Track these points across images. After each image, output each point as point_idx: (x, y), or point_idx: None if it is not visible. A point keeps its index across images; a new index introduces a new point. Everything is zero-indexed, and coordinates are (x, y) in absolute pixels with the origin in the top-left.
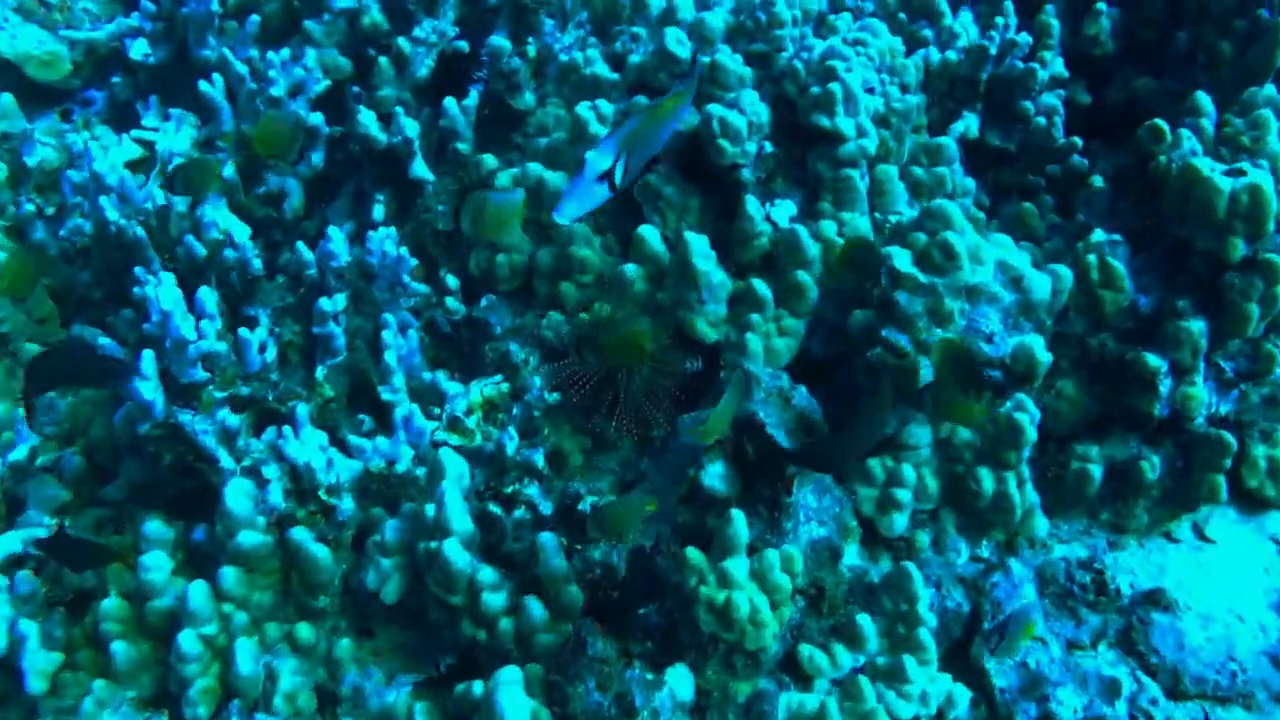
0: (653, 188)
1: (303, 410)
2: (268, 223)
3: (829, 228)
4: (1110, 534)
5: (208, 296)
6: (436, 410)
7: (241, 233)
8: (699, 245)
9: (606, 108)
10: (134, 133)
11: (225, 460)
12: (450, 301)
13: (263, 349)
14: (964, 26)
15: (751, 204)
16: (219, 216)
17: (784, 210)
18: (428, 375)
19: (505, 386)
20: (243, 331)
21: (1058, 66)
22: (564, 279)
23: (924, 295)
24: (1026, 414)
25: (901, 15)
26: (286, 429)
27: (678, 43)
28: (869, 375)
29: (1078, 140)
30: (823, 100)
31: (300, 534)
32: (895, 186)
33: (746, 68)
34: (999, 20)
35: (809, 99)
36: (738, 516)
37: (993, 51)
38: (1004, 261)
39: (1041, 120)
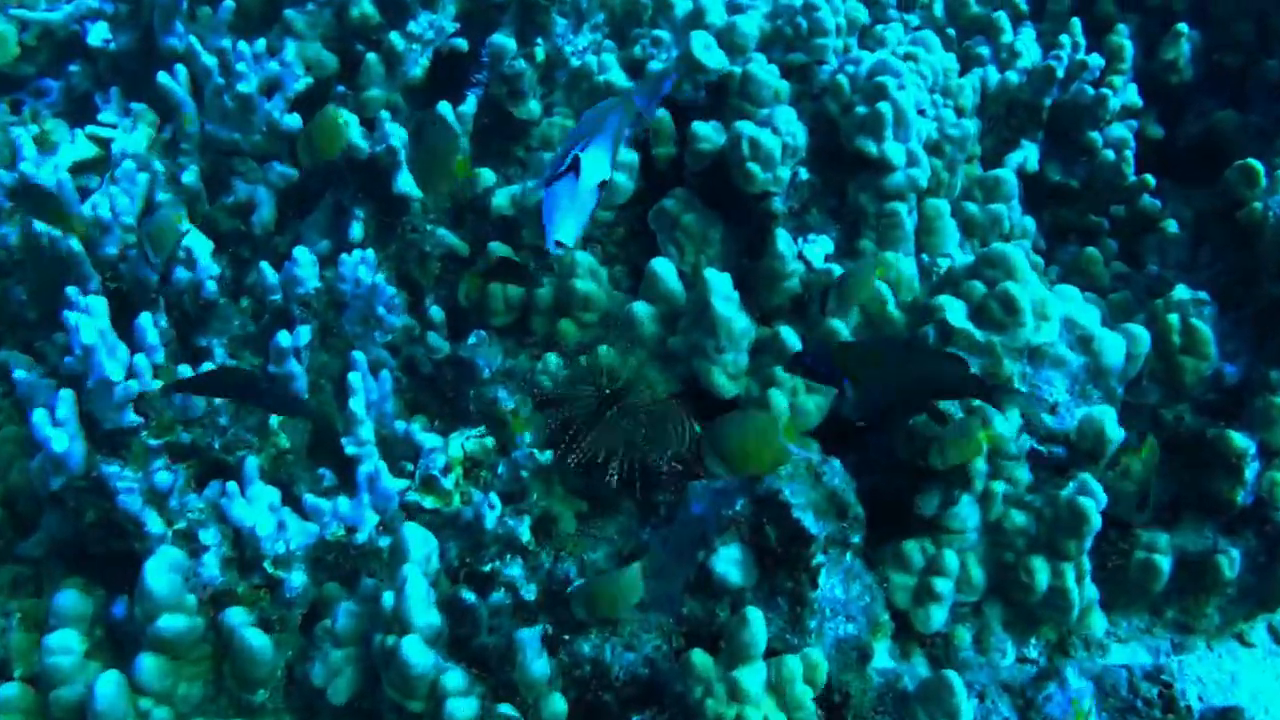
0: (670, 215)
1: (252, 464)
2: (235, 236)
3: None
4: (1175, 634)
5: (148, 325)
6: (410, 466)
7: (202, 248)
8: (720, 285)
9: None
10: (89, 129)
11: (153, 524)
12: (433, 338)
13: None
14: (1025, 45)
15: (782, 239)
16: None
17: (819, 247)
18: (401, 425)
19: (490, 440)
20: (184, 370)
21: (1131, 95)
22: (564, 316)
23: (980, 355)
24: (1091, 498)
25: (951, 31)
26: (231, 485)
27: (705, 49)
28: (910, 446)
29: (1150, 179)
30: (870, 122)
31: (236, 617)
32: (946, 224)
33: (783, 81)
34: (1064, 39)
35: (853, 120)
36: (754, 618)
37: (1060, 74)
38: (1071, 318)
39: (1110, 154)
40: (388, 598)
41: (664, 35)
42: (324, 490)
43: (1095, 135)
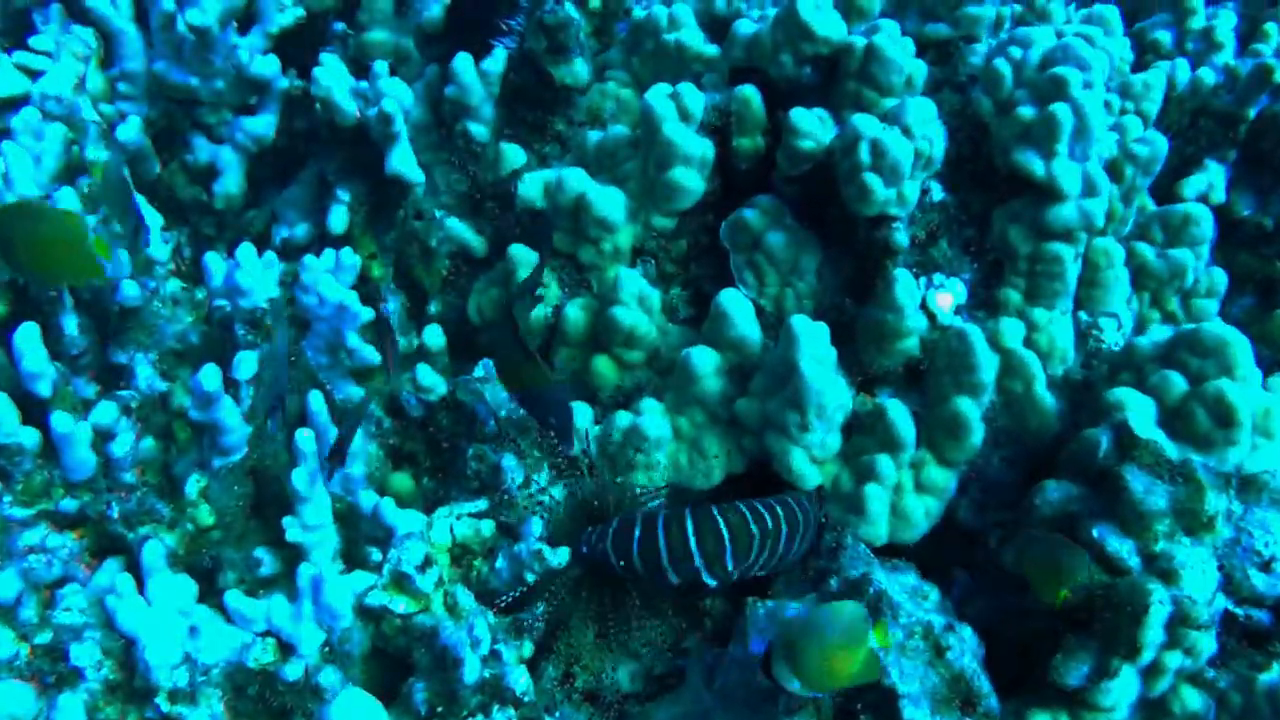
0: (751, 230)
1: (155, 550)
2: (198, 207)
3: (1013, 330)
4: None
5: (30, 343)
6: (377, 554)
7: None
8: (813, 341)
9: (695, 99)
10: (16, 56)
11: None
12: (424, 373)
13: (108, 437)
14: (1225, 34)
15: (903, 285)
16: None
17: (948, 294)
18: (368, 500)
19: (488, 524)
20: (58, 420)
21: None
22: (601, 352)
23: (1172, 480)
24: None
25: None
26: (123, 580)
27: (815, 9)
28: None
29: None
30: (1038, 130)
31: None
32: (1118, 275)
33: (918, 61)
34: (1270, 28)
35: (1014, 125)
36: None
37: (1277, 77)
38: None
39: None
40: None
41: None
42: (259, 580)
43: None
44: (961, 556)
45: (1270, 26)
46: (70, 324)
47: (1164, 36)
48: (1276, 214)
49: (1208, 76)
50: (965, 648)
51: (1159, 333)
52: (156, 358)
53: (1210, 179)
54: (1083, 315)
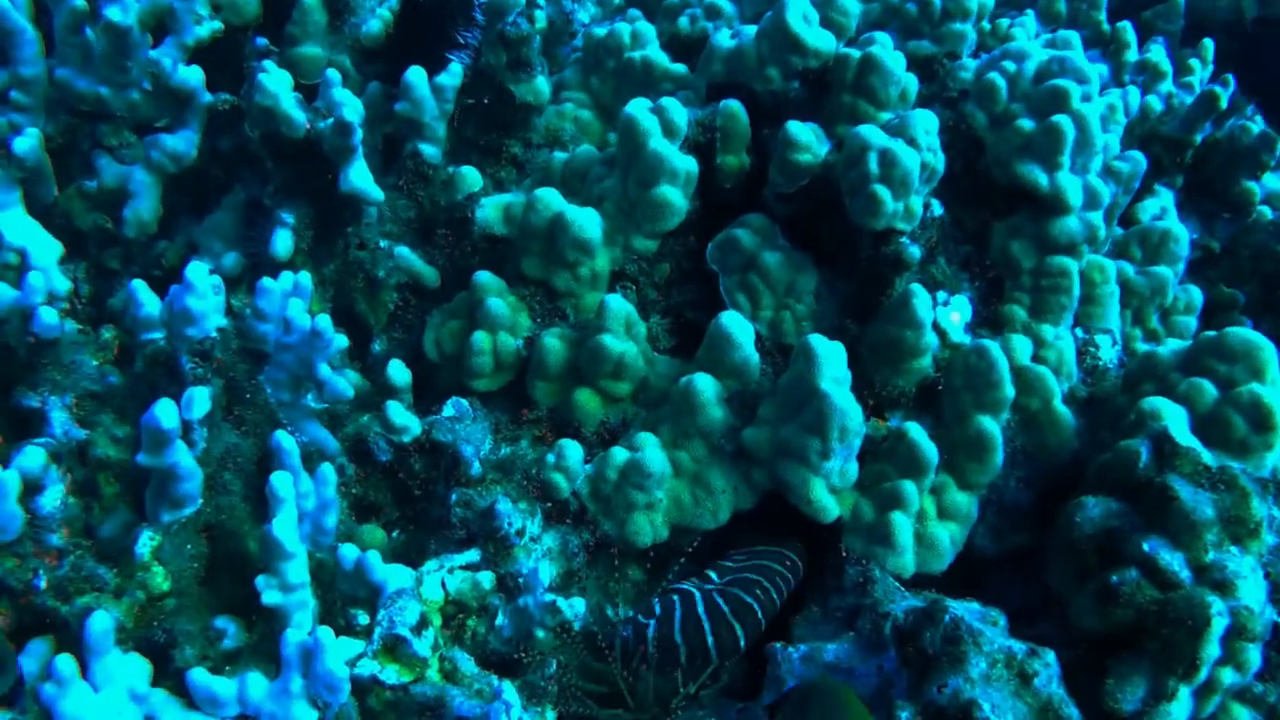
0: (743, 251)
1: (101, 622)
2: (99, 237)
3: (1022, 346)
4: None
5: None
6: (362, 616)
7: (45, 253)
8: (832, 361)
9: (679, 113)
10: None
11: None
12: (395, 411)
13: (34, 490)
14: (1165, 65)
15: (920, 299)
16: (6, 223)
17: (955, 312)
18: (350, 554)
19: (487, 576)
20: None
21: None
22: (583, 384)
23: (1213, 488)
24: None
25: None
26: (63, 662)
27: (804, 20)
28: (1102, 615)
29: None
30: (1040, 142)
31: None
32: (1111, 290)
33: (910, 74)
34: (1194, 63)
35: (1013, 137)
36: None
37: (1223, 104)
38: None
39: (1267, 211)
40: None
41: (724, 5)
42: (223, 654)
43: (1252, 185)
44: (974, 587)
45: (1194, 62)
46: None
47: (1103, 69)
48: (1223, 237)
49: (1155, 103)
50: (1051, 674)
51: (1174, 343)
52: (72, 401)
53: (1162, 203)
54: (1078, 332)
